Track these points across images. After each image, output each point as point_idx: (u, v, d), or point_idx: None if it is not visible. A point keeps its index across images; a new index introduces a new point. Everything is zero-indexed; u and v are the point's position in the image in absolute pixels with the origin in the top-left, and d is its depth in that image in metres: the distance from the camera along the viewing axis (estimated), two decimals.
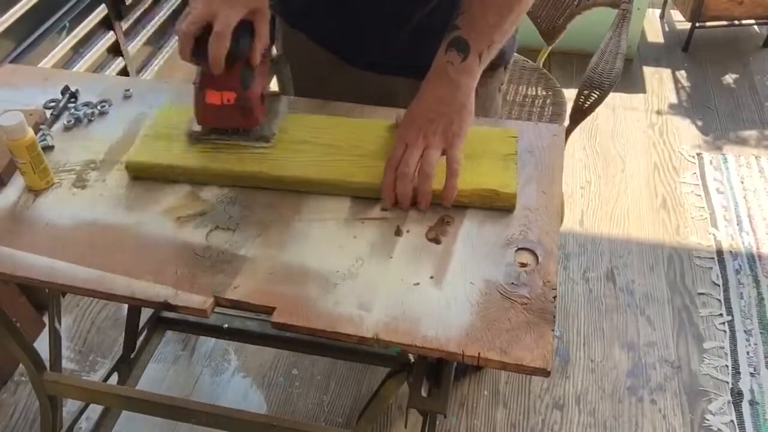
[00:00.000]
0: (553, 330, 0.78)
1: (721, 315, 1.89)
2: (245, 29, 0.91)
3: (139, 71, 2.13)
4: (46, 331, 1.76)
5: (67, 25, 1.79)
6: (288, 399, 1.69)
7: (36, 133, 1.00)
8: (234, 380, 1.73)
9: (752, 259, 2.03)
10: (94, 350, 1.79)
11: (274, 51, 1.13)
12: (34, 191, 0.98)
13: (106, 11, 1.92)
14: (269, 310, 0.81)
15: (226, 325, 1.58)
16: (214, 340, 1.80)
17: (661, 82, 2.81)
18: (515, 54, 1.89)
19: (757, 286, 1.96)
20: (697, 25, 2.86)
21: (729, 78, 2.82)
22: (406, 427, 1.51)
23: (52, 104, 1.12)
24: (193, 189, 0.97)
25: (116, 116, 1.11)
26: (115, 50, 2.00)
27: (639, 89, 2.77)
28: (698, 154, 2.44)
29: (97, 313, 1.88)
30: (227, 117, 0.96)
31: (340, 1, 1.06)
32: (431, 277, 0.84)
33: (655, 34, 3.11)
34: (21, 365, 1.71)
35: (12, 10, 1.62)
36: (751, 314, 1.88)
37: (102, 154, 1.04)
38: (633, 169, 2.38)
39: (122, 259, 0.87)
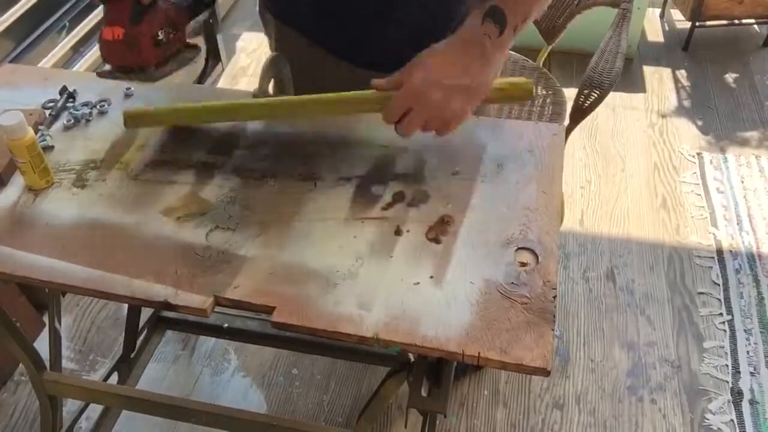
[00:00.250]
0: (553, 330, 0.78)
1: (721, 314, 1.89)
2: None
3: None
4: (46, 331, 1.76)
5: (67, 24, 1.79)
6: (288, 399, 1.69)
7: (35, 133, 1.00)
8: (234, 380, 1.73)
9: (752, 258, 2.03)
10: (94, 350, 1.79)
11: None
12: (34, 191, 0.98)
13: None
14: (269, 310, 0.81)
15: (226, 325, 1.58)
16: (214, 339, 1.80)
17: (661, 82, 2.81)
18: (515, 54, 1.90)
19: (757, 286, 1.96)
20: (697, 24, 2.86)
21: (729, 77, 2.82)
22: (406, 427, 1.51)
23: (51, 104, 1.12)
24: (194, 189, 0.97)
25: (116, 116, 1.11)
26: None
27: (639, 89, 2.77)
28: (698, 154, 2.43)
29: (97, 313, 1.88)
30: (119, 54, 0.96)
31: (345, 6, 1.06)
32: (431, 277, 0.84)
33: (655, 33, 3.10)
34: (21, 365, 1.71)
35: (12, 10, 1.62)
36: (751, 314, 1.88)
37: (102, 153, 1.04)
38: (633, 169, 2.38)
39: (122, 259, 0.87)
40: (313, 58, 1.16)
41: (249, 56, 2.92)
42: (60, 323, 1.35)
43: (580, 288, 1.97)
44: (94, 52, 1.89)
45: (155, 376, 1.71)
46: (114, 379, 1.54)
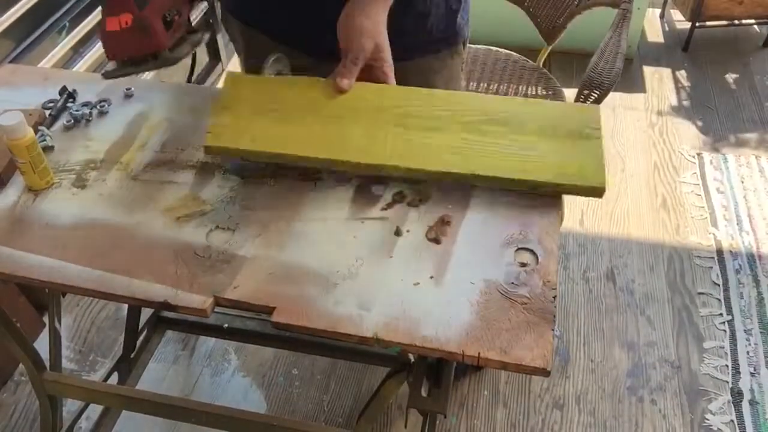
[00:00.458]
0: (553, 330, 0.78)
1: (721, 315, 1.89)
2: None
3: None
4: (46, 331, 1.76)
5: (67, 25, 1.79)
6: (288, 399, 1.69)
7: (35, 134, 1.00)
8: (234, 380, 1.73)
9: (752, 258, 2.03)
10: (94, 350, 1.79)
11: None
12: (34, 191, 0.98)
13: None
14: (269, 310, 0.81)
15: (226, 325, 1.58)
16: (214, 340, 1.80)
17: (661, 82, 2.81)
18: (515, 54, 1.90)
19: (757, 286, 1.96)
20: (697, 24, 2.86)
21: (729, 78, 2.82)
22: (406, 427, 1.51)
23: (51, 104, 1.12)
24: (194, 189, 0.97)
25: (116, 116, 1.11)
26: None
27: (639, 89, 2.77)
28: (698, 154, 2.43)
29: (97, 313, 1.88)
30: (130, 42, 0.91)
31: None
32: (431, 277, 0.84)
33: (655, 33, 3.10)
34: (21, 365, 1.71)
35: (12, 10, 1.62)
36: (751, 314, 1.88)
37: (102, 154, 1.04)
38: (633, 169, 2.38)
39: (122, 259, 0.87)
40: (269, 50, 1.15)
41: None
42: (60, 323, 1.35)
43: (580, 288, 1.96)
44: (94, 52, 1.89)
45: (155, 376, 1.71)
46: (114, 379, 1.54)
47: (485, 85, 1.82)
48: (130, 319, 1.56)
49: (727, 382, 1.73)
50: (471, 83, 1.83)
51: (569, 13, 1.77)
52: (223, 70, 2.75)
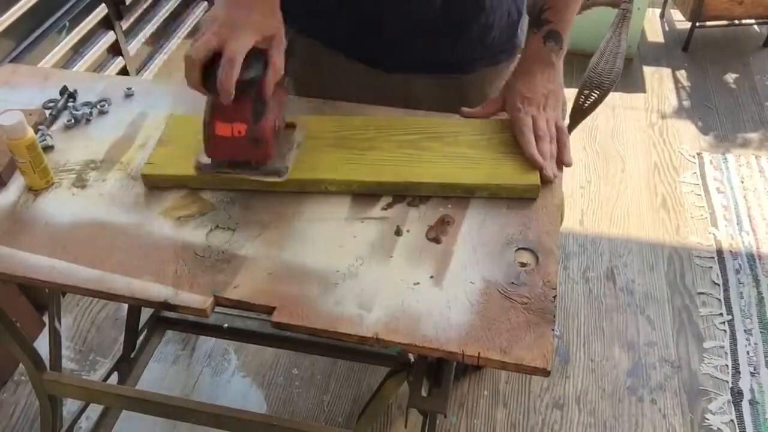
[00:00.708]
0: (553, 330, 0.78)
1: (721, 314, 1.89)
2: (257, 57, 0.85)
3: (138, 71, 2.13)
4: (46, 331, 1.76)
5: (67, 24, 1.79)
6: (288, 399, 1.69)
7: (35, 133, 1.00)
8: (234, 380, 1.73)
9: (752, 258, 2.03)
10: (94, 350, 1.79)
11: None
12: (34, 191, 0.98)
13: (106, 11, 1.92)
14: (269, 310, 0.81)
15: (226, 325, 1.58)
16: (214, 339, 1.80)
17: (661, 82, 2.81)
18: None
19: (757, 286, 1.96)
20: (697, 24, 2.86)
21: (729, 78, 2.82)
22: (406, 427, 1.51)
23: (51, 104, 1.12)
24: (194, 189, 0.97)
25: (116, 116, 1.11)
26: (115, 50, 2.00)
27: (639, 89, 2.77)
28: (698, 154, 2.44)
29: (97, 313, 1.88)
30: (238, 150, 0.90)
31: (355, 4, 1.07)
32: (431, 277, 0.84)
33: (655, 33, 3.11)
34: (21, 365, 1.71)
35: (12, 10, 1.62)
36: (751, 314, 1.88)
37: (102, 154, 1.04)
38: (633, 169, 2.38)
39: (122, 259, 0.87)
40: (318, 59, 1.16)
41: None
42: (60, 323, 1.35)
43: (580, 288, 1.97)
44: (94, 52, 1.89)
45: (155, 376, 1.71)
46: (114, 379, 1.54)
47: None
48: (130, 319, 1.56)
49: (727, 382, 1.73)
50: None
51: None
52: None
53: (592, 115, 1.53)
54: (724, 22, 2.89)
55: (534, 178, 0.94)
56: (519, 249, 0.87)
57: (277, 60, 0.88)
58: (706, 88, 2.76)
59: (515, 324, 0.79)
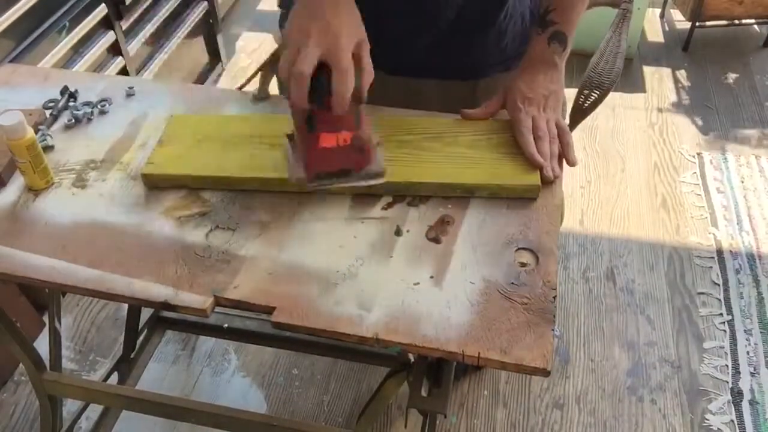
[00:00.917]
0: (553, 330, 0.78)
1: (721, 314, 1.89)
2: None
3: (138, 71, 2.13)
4: (46, 331, 1.76)
5: (67, 24, 1.79)
6: (288, 399, 1.69)
7: (35, 133, 1.00)
8: (234, 380, 1.73)
9: (752, 258, 2.03)
10: (94, 350, 1.79)
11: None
12: (34, 191, 0.98)
13: (106, 11, 1.92)
14: (269, 310, 0.81)
15: (226, 325, 1.58)
16: (214, 340, 1.80)
17: (661, 82, 2.81)
18: None
19: (757, 286, 1.96)
20: (697, 24, 2.86)
21: (729, 78, 2.82)
22: (406, 427, 1.51)
23: (51, 104, 1.12)
24: (194, 189, 0.97)
25: (116, 116, 1.11)
26: (115, 50, 2.00)
27: (639, 89, 2.77)
28: (698, 154, 2.44)
29: (97, 313, 1.88)
30: (343, 159, 0.89)
31: (370, 8, 1.06)
32: (431, 277, 0.84)
33: (655, 33, 3.10)
34: (21, 365, 1.71)
35: (12, 10, 1.62)
36: (751, 314, 1.88)
37: (102, 154, 1.04)
38: (633, 169, 2.38)
39: (122, 259, 0.87)
40: None
41: (249, 56, 2.92)
42: (60, 323, 1.35)
43: (580, 288, 1.97)
44: (94, 52, 1.89)
45: (155, 376, 1.71)
46: (114, 379, 1.54)
47: None
48: (130, 319, 1.56)
49: (727, 382, 1.73)
50: None
51: None
52: (223, 70, 2.75)
53: (592, 115, 1.52)
54: (724, 22, 2.89)
55: (534, 178, 0.94)
56: (519, 249, 0.87)
57: (368, 62, 0.86)
58: (706, 88, 2.76)
59: (515, 324, 0.79)
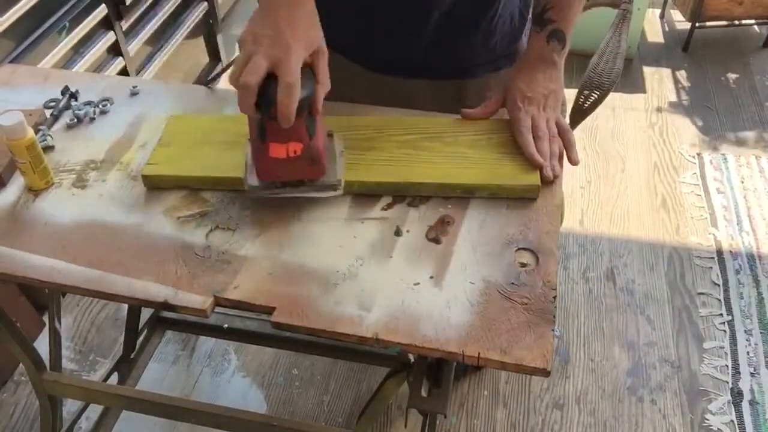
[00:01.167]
0: (553, 330, 0.78)
1: (721, 315, 1.89)
2: (307, 74, 0.82)
3: (138, 71, 2.13)
4: (46, 331, 1.76)
5: (67, 25, 1.79)
6: (288, 399, 1.69)
7: (36, 134, 1.00)
8: (234, 380, 1.73)
9: (752, 258, 2.03)
10: (94, 350, 1.79)
11: None
12: (34, 191, 0.98)
13: (106, 11, 1.92)
14: (269, 310, 0.81)
15: (226, 325, 1.58)
16: (214, 340, 1.80)
17: (661, 82, 2.81)
18: None
19: (757, 286, 1.96)
20: (697, 25, 2.86)
21: (729, 78, 2.82)
22: (406, 427, 1.51)
23: (52, 104, 1.12)
24: (194, 190, 0.97)
25: (117, 116, 1.11)
26: (115, 50, 2.00)
27: (639, 89, 2.77)
28: (698, 154, 2.44)
29: (97, 313, 1.88)
30: (293, 170, 0.89)
31: (360, 8, 1.06)
32: (431, 277, 0.84)
33: (655, 34, 3.11)
34: (21, 365, 1.71)
35: (12, 10, 1.62)
36: (751, 314, 1.88)
37: (102, 154, 1.04)
38: (633, 169, 2.38)
39: (122, 259, 0.87)
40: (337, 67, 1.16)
41: None
42: (60, 323, 1.35)
43: (580, 288, 1.97)
44: (94, 53, 1.89)
45: (155, 376, 1.71)
46: (114, 379, 1.54)
47: None
48: (130, 319, 1.56)
49: (727, 382, 1.73)
50: None
51: None
52: (223, 70, 2.75)
53: (592, 115, 1.53)
54: (724, 23, 2.89)
55: (534, 178, 0.94)
56: (519, 249, 0.87)
57: (325, 75, 0.85)
58: (706, 88, 2.76)
59: (515, 324, 0.79)
